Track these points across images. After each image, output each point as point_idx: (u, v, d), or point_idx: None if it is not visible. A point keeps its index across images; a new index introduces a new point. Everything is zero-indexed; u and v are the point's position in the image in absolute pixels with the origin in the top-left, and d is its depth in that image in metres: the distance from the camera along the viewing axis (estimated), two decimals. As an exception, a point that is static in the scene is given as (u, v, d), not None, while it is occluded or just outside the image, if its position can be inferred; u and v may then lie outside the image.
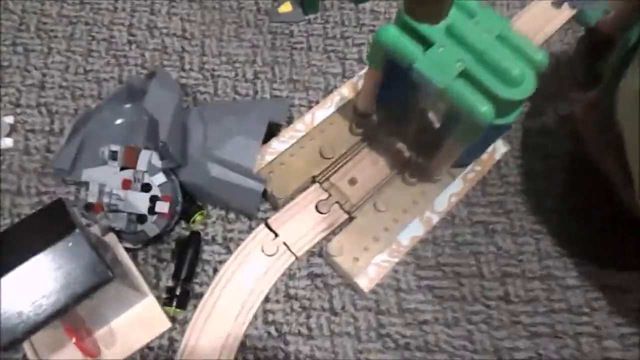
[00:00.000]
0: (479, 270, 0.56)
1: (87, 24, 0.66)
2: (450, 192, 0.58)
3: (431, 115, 0.59)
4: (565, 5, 0.74)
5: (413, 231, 0.55)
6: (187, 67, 0.64)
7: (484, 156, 0.60)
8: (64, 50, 0.64)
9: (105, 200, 0.50)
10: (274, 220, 0.55)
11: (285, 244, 0.54)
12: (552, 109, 0.67)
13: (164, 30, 0.67)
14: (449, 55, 0.45)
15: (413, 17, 0.45)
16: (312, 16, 0.70)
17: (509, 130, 0.52)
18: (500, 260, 0.57)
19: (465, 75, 0.45)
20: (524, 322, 0.54)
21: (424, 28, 0.46)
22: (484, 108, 0.43)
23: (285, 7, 0.69)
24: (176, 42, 0.66)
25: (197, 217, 0.55)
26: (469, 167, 0.59)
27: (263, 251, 0.53)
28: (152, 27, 0.67)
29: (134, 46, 0.65)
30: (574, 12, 0.74)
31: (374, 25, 0.70)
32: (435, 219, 0.56)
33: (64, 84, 0.61)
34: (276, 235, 0.54)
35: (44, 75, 0.62)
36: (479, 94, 0.44)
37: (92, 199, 0.50)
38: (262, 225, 0.55)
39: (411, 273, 0.55)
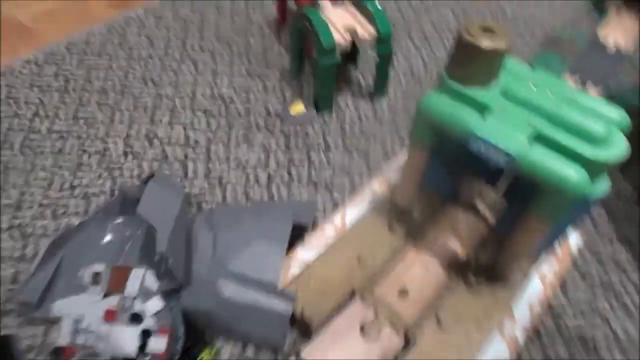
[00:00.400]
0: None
1: (79, 137, 0.59)
2: (529, 298, 0.45)
3: (484, 204, 0.49)
4: (589, 83, 0.70)
5: (496, 353, 0.41)
6: (190, 175, 0.56)
7: (559, 249, 0.49)
8: (49, 166, 0.55)
9: (80, 341, 0.36)
10: (308, 353, 0.41)
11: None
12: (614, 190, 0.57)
13: (165, 140, 0.60)
14: (514, 118, 0.37)
15: (460, 81, 0.39)
16: (327, 116, 0.64)
17: (596, 205, 0.41)
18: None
19: (540, 139, 0.36)
20: None
21: (476, 93, 0.38)
22: (575, 174, 0.34)
23: (298, 108, 0.63)
24: (178, 150, 0.59)
25: (205, 356, 0.41)
26: (543, 265, 0.47)
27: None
28: (152, 137, 0.60)
29: (130, 157, 0.57)
30: (598, 89, 0.69)
31: (393, 120, 0.64)
32: (521, 336, 0.43)
33: (45, 201, 0.52)
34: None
35: (22, 193, 0.53)
36: (563, 158, 0.35)
37: (63, 340, 0.36)
38: (293, 362, 0.41)
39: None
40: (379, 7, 0.61)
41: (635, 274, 0.50)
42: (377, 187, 0.53)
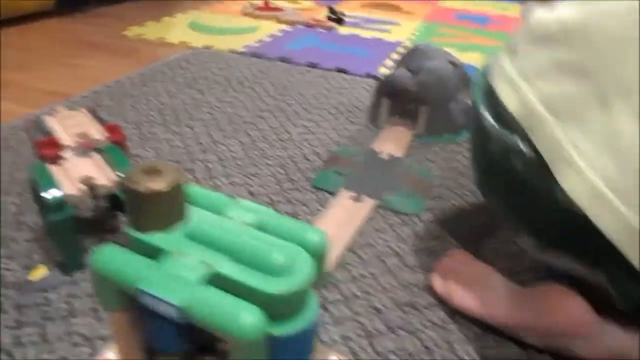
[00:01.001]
0: None
1: None
2: None
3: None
4: (364, 197, 0.72)
5: None
6: None
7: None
8: None
9: None
10: None
11: None
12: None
13: None
14: (187, 263, 0.33)
15: (140, 229, 0.35)
16: (78, 274, 0.56)
17: (313, 335, 0.37)
18: None
19: (215, 280, 0.32)
20: None
21: (156, 238, 0.35)
22: (242, 318, 0.30)
23: (39, 273, 0.55)
24: None
25: None
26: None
27: None
28: None
29: None
30: (374, 202, 0.72)
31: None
32: None
33: None
34: None
35: None
36: (236, 299, 0.31)
37: None
38: None
39: None
40: (121, 153, 0.59)
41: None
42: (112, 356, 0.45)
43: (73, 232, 0.54)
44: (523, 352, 0.50)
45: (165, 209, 0.35)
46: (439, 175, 0.82)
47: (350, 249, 0.64)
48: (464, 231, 0.69)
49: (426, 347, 0.51)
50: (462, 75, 0.97)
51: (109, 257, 0.34)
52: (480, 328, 0.53)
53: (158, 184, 0.33)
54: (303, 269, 0.33)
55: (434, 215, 0.72)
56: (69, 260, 0.55)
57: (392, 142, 0.89)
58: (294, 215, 0.70)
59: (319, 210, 0.70)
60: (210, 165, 0.81)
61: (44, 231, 0.61)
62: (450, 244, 0.66)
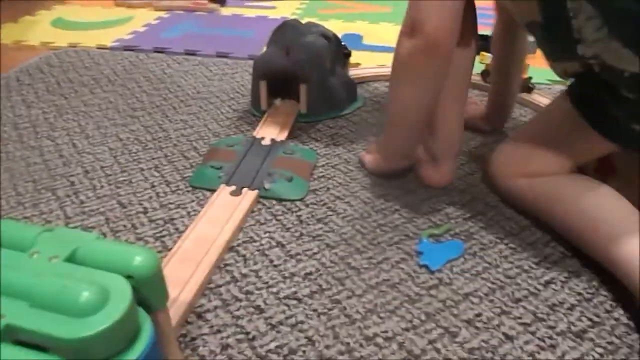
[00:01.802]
0: None
1: None
2: None
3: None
4: (245, 190, 0.69)
5: None
6: None
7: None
8: None
9: None
10: None
11: None
12: None
13: None
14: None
15: None
16: None
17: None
18: None
19: (12, 334, 0.28)
20: None
21: None
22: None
23: None
24: None
25: None
26: None
27: None
28: None
29: None
30: (255, 193, 0.69)
31: None
32: None
33: None
34: None
35: None
36: (32, 352, 0.27)
37: None
38: None
39: None
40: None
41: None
42: None
43: None
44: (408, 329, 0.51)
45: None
46: (323, 154, 0.80)
47: (231, 249, 0.61)
48: (349, 207, 0.68)
49: (309, 339, 0.49)
50: (337, 47, 0.95)
51: None
52: (365, 308, 0.53)
53: None
54: (118, 303, 0.29)
55: (318, 197, 0.70)
56: None
57: (274, 127, 0.86)
58: (170, 222, 0.65)
59: (197, 211, 0.66)
60: (74, 180, 0.73)
61: None
62: (334, 224, 0.65)
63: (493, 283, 0.56)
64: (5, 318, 0.28)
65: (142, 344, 0.31)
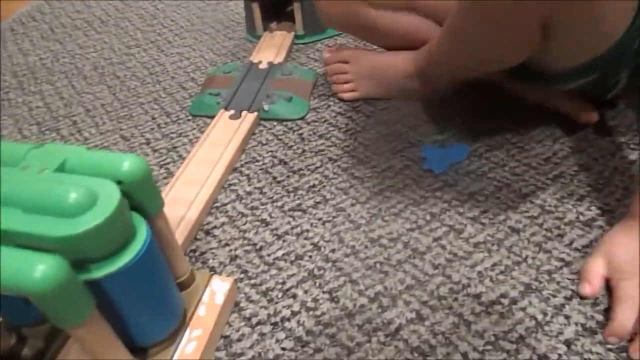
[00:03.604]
0: None
1: None
2: None
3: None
4: (244, 113, 0.68)
5: None
6: None
7: (200, 311, 0.42)
8: None
9: None
10: None
11: None
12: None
13: None
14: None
15: None
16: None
17: (152, 262, 0.35)
18: None
19: (6, 239, 0.29)
20: None
21: None
22: (40, 267, 0.27)
23: None
24: None
25: None
26: (183, 340, 0.40)
27: None
28: None
29: None
30: (254, 115, 0.68)
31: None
32: None
33: None
34: None
35: None
36: (30, 252, 0.28)
37: None
38: None
39: None
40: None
41: (304, 292, 0.46)
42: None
43: None
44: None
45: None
46: (323, 73, 0.78)
47: (234, 170, 0.61)
48: (351, 121, 0.67)
49: (315, 245, 0.50)
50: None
51: None
52: (369, 213, 0.53)
53: None
54: (106, 203, 0.30)
55: (319, 114, 0.69)
56: None
57: (271, 50, 0.83)
58: (173, 150, 0.65)
59: (199, 138, 0.66)
60: (76, 119, 0.73)
61: None
62: (337, 138, 0.64)
63: (499, 182, 0.56)
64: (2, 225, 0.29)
65: (137, 245, 0.31)
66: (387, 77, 0.67)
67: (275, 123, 0.68)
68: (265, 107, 0.69)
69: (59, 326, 0.29)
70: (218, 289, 0.44)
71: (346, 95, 0.70)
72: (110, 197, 0.30)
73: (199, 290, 0.43)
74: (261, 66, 0.78)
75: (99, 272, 0.30)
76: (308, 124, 0.67)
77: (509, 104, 0.67)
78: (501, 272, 0.46)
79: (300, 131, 0.66)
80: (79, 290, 0.28)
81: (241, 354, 0.41)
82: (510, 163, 0.58)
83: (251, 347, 0.42)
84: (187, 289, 0.42)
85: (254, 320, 0.44)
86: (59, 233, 0.28)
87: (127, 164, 0.33)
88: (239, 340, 0.42)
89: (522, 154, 0.59)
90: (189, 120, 0.71)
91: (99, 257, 0.30)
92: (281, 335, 0.42)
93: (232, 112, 0.68)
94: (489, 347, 0.40)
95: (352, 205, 0.54)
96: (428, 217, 0.52)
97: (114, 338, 0.33)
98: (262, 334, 0.42)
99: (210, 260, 0.49)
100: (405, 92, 0.67)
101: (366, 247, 0.49)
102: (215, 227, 0.53)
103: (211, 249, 0.51)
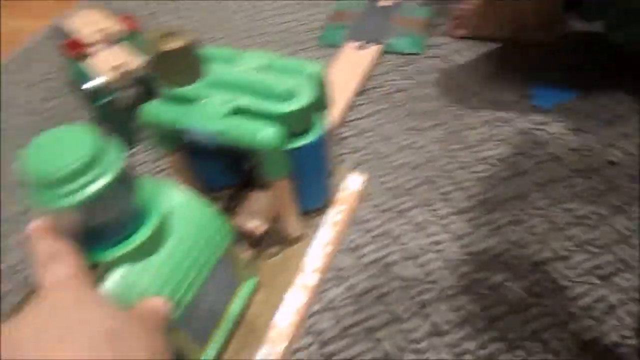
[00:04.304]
0: (391, 314, 0.46)
1: None
2: (321, 244, 0.50)
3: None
4: (369, 45, 0.77)
5: (294, 304, 0.46)
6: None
7: (342, 193, 0.54)
8: None
9: None
10: None
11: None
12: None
13: None
14: (215, 102, 0.42)
15: (170, 86, 0.43)
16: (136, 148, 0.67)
17: (325, 147, 0.47)
18: (411, 292, 0.47)
19: (238, 111, 0.41)
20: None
21: (185, 91, 0.43)
22: (263, 132, 0.39)
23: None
24: None
25: None
26: (331, 212, 0.53)
27: None
28: None
29: None
30: (378, 47, 0.76)
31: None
32: (315, 278, 0.47)
33: None
34: None
35: None
36: (257, 121, 0.40)
37: None
38: None
39: (317, 355, 0.44)
40: (141, 39, 0.65)
41: (422, 193, 0.56)
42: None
43: (121, 111, 0.64)
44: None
45: (185, 63, 0.42)
46: (437, 10, 0.84)
47: (359, 94, 0.71)
48: (466, 59, 0.73)
49: (430, 158, 0.60)
50: None
51: (154, 109, 0.43)
52: (480, 137, 0.61)
53: (176, 43, 0.41)
54: (306, 93, 0.41)
55: (436, 51, 0.76)
56: (125, 138, 0.66)
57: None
58: (306, 73, 0.76)
59: (328, 65, 0.76)
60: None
61: (94, 122, 0.71)
62: (452, 73, 0.72)
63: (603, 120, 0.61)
64: (232, 102, 0.41)
65: (319, 129, 0.43)
66: (501, 16, 0.72)
67: (395, 56, 0.76)
68: (388, 41, 0.77)
69: (268, 177, 0.41)
70: (355, 180, 0.55)
71: (458, 32, 0.77)
72: (307, 90, 0.41)
73: (340, 180, 0.55)
74: (384, 3, 0.86)
75: (295, 143, 0.42)
76: (426, 58, 0.75)
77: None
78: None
79: (418, 65, 0.74)
80: (284, 153, 0.41)
81: (370, 230, 0.53)
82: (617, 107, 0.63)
83: (379, 226, 0.53)
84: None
85: (381, 208, 0.55)
86: (278, 110, 0.40)
87: (314, 68, 0.44)
88: (368, 220, 0.54)
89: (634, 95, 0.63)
90: (318, 49, 0.81)
91: (296, 134, 0.42)
92: (403, 220, 0.54)
93: (357, 43, 0.78)
94: None
95: (463, 130, 0.63)
96: (532, 145, 0.59)
97: (293, 198, 0.45)
98: (388, 218, 0.54)
99: (342, 163, 0.61)
100: (519, 32, 0.72)
101: (476, 164, 0.58)
102: (344, 137, 0.64)
103: (342, 153, 0.62)
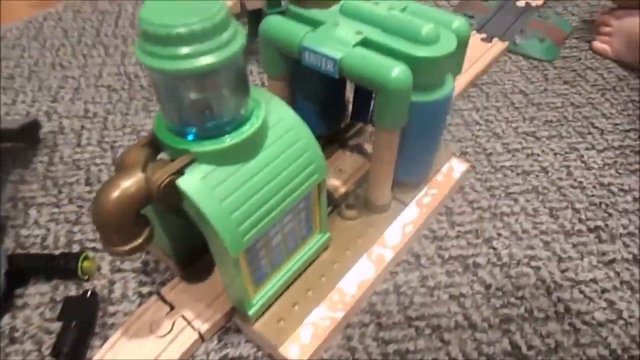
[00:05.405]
0: (466, 318, 0.40)
1: (-23, 117, 0.60)
2: (403, 222, 0.45)
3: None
4: (495, 40, 0.70)
5: (361, 274, 0.41)
6: (83, 142, 0.56)
7: (439, 177, 0.49)
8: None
9: None
10: (170, 288, 0.40)
11: (184, 317, 0.39)
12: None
13: (64, 114, 0.60)
14: (344, 29, 0.37)
15: (301, 4, 0.39)
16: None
17: (446, 114, 0.41)
18: (494, 302, 0.41)
19: (366, 43, 0.37)
20: (549, 385, 0.36)
21: (312, 13, 0.39)
22: (396, 69, 0.34)
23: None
24: (76, 122, 0.59)
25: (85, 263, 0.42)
26: (422, 192, 0.47)
27: (152, 331, 0.38)
28: (52, 113, 0.61)
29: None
30: (504, 44, 0.70)
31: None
32: (389, 255, 0.42)
33: None
34: (172, 308, 0.39)
35: None
36: (387, 57, 0.35)
37: None
38: (154, 297, 0.40)
39: (372, 337, 0.39)
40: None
41: (526, 201, 0.49)
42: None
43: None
44: None
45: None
46: (576, 27, 0.76)
47: (475, 85, 0.65)
48: (601, 78, 0.65)
49: (543, 169, 0.53)
50: None
51: (276, 24, 0.39)
52: (603, 161, 0.53)
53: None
54: (446, 43, 0.36)
55: (568, 63, 0.68)
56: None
57: (530, -9, 0.82)
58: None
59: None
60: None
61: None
62: (582, 89, 0.64)
63: None
64: (363, 34, 0.37)
65: (448, 87, 0.38)
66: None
67: (520, 58, 0.69)
68: (517, 41, 0.70)
69: (382, 124, 0.37)
70: (456, 167, 0.50)
71: (597, 46, 0.69)
72: (449, 41, 0.36)
73: (440, 163, 0.49)
74: (519, 3, 0.79)
75: (420, 97, 0.37)
76: (554, 68, 0.68)
77: None
78: None
79: (545, 72, 0.67)
80: (409, 100, 0.36)
81: (460, 224, 0.47)
82: None
83: (470, 222, 0.47)
84: (430, 158, 0.49)
85: (475, 205, 0.49)
86: (411, 52, 0.35)
87: (460, 22, 0.38)
88: (459, 214, 0.48)
89: None
90: (437, 33, 0.75)
91: (421, 86, 0.36)
92: (499, 224, 0.47)
93: (483, 35, 0.71)
94: None
95: (587, 149, 0.55)
96: (668, 185, 0.51)
97: (393, 159, 0.40)
98: (480, 217, 0.48)
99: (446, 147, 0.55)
100: None
101: (594, 187, 0.51)
102: (450, 125, 0.59)
103: (445, 139, 0.56)
